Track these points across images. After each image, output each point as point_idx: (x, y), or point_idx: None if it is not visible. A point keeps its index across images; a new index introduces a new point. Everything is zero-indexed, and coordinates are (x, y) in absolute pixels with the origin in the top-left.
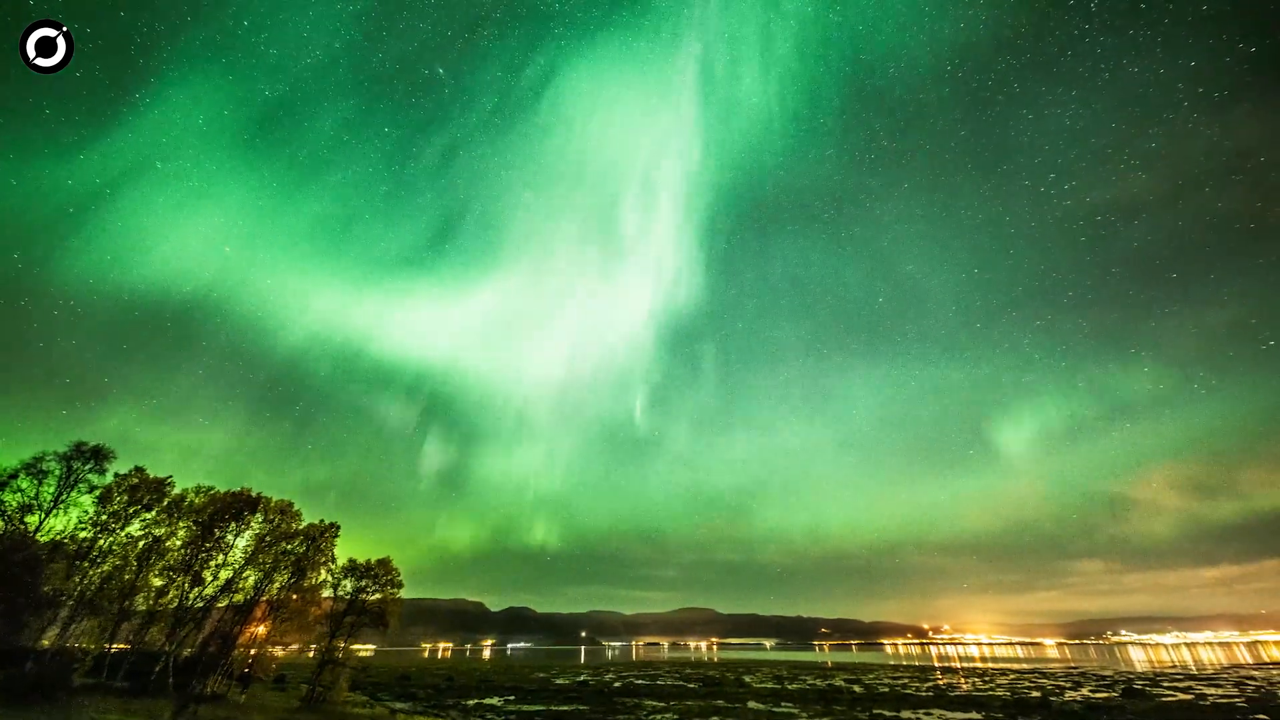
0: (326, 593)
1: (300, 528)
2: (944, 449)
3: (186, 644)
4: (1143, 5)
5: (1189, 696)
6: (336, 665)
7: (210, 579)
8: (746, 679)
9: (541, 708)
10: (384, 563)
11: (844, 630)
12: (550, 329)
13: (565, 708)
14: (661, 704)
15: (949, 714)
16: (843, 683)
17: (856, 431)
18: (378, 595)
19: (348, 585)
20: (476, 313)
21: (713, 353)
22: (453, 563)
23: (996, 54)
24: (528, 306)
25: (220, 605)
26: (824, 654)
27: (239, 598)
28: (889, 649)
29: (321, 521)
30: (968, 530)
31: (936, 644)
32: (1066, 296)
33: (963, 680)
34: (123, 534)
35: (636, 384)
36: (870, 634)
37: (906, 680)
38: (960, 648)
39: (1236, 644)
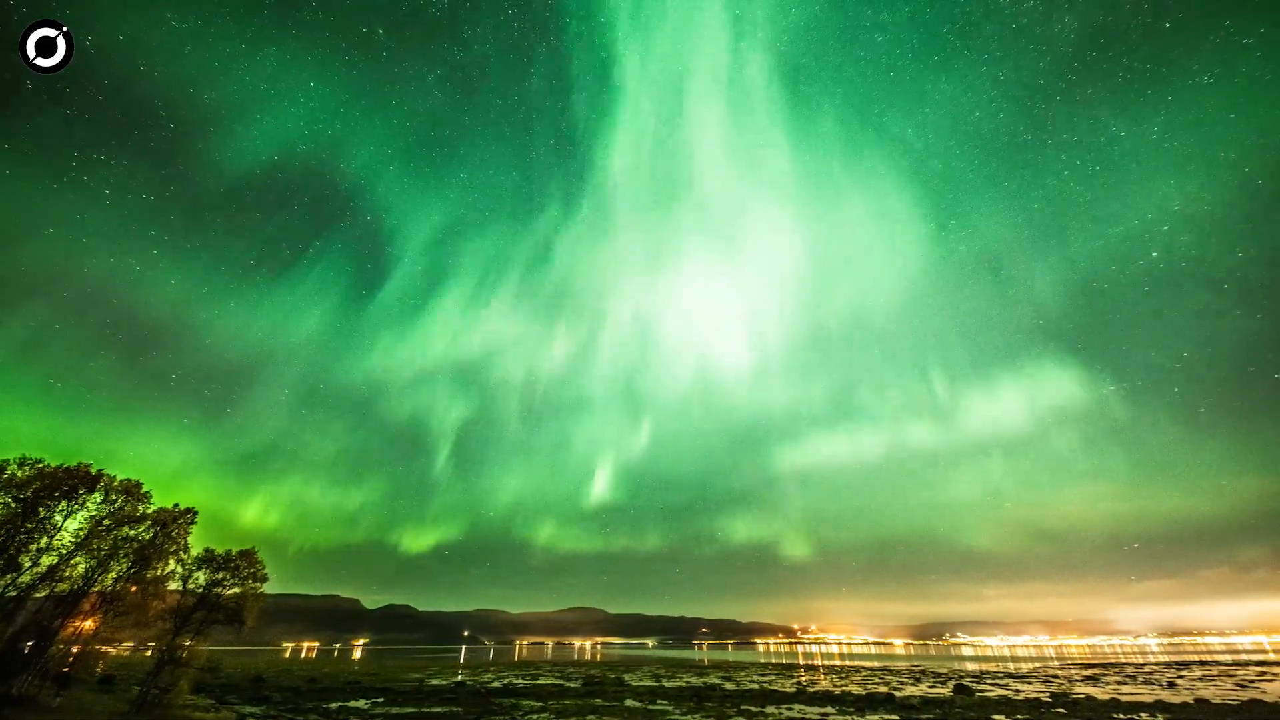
0: (174, 585)
1: (149, 511)
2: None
3: None
4: (1040, 81)
5: (1007, 692)
6: (178, 665)
7: (29, 565)
8: (627, 677)
9: (413, 710)
10: (248, 554)
11: (723, 630)
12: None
13: (439, 709)
14: (539, 704)
15: (808, 709)
16: (717, 680)
17: (754, 462)
18: (236, 590)
19: (201, 578)
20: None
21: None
22: (330, 558)
23: (919, 105)
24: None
25: (39, 595)
26: (701, 652)
27: (64, 587)
28: (761, 648)
29: (176, 506)
30: (842, 541)
31: (804, 643)
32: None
33: (822, 677)
34: None
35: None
36: (746, 634)
37: (773, 677)
38: (823, 647)
39: (1046, 646)
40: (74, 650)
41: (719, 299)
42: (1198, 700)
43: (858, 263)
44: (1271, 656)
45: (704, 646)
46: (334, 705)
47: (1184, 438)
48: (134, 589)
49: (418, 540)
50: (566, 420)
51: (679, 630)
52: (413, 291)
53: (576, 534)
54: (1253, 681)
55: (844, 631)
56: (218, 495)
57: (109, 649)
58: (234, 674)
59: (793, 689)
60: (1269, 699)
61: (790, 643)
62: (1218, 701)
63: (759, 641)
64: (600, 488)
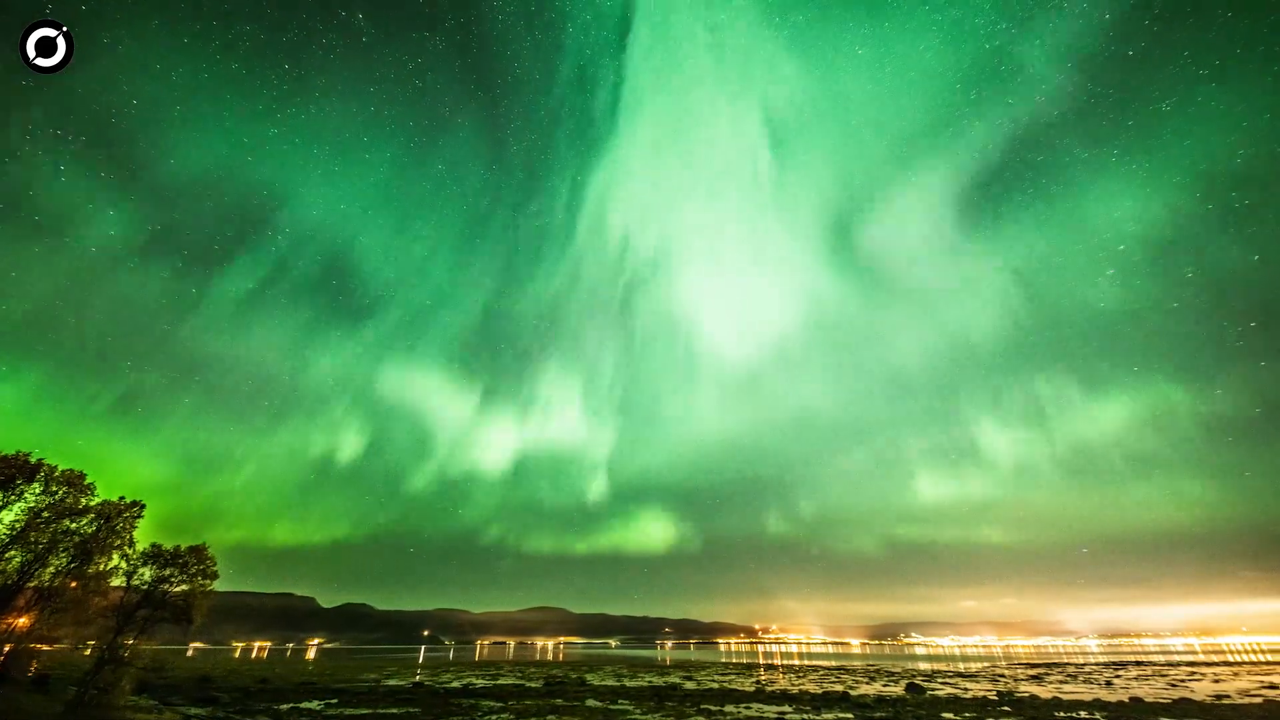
0: (118, 581)
1: (92, 504)
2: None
3: None
4: (1009, 100)
5: (957, 690)
6: (119, 665)
7: None
8: (589, 677)
9: (368, 711)
10: (198, 550)
11: (685, 630)
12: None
13: (395, 710)
14: (500, 704)
15: (766, 707)
16: (678, 679)
17: (725, 466)
18: (184, 587)
19: (146, 574)
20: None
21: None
22: (284, 555)
23: (894, 118)
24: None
25: None
26: (664, 652)
27: None
28: (723, 647)
29: (121, 499)
30: (804, 545)
31: (764, 643)
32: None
33: (781, 676)
34: None
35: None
36: (709, 633)
37: (733, 676)
38: (783, 646)
39: (995, 646)
40: (6, 649)
41: (687, 309)
42: (1132, 699)
43: (819, 278)
44: (1201, 657)
45: (667, 646)
46: (285, 707)
47: (1130, 452)
48: (74, 584)
49: (376, 538)
50: (538, 424)
51: (642, 630)
52: (390, 291)
53: (545, 535)
54: (1183, 681)
55: (803, 631)
56: (172, 490)
57: (44, 647)
58: (180, 674)
59: (752, 688)
60: (1197, 697)
61: (751, 642)
62: (1151, 700)
63: (721, 641)
64: (572, 489)
